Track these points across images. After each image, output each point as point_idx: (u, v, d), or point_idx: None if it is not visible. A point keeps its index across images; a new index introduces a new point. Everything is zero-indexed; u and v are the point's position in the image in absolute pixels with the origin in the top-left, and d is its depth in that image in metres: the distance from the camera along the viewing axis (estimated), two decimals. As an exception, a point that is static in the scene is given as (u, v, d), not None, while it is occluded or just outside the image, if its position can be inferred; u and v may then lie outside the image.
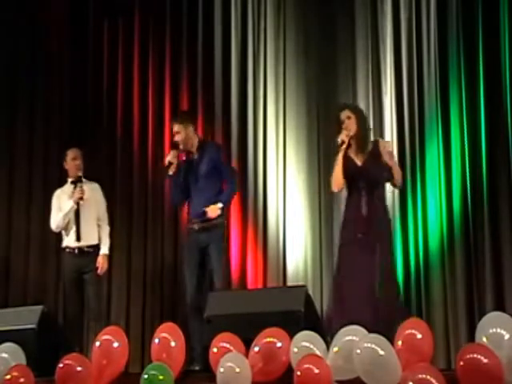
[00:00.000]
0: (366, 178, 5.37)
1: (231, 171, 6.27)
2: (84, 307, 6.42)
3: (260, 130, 7.17)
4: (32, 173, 7.76)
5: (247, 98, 7.25)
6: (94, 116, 7.82)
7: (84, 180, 6.49)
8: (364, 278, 5.12)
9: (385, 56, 6.75)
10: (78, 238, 6.34)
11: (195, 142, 6.12)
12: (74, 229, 6.38)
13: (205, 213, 5.88)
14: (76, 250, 6.36)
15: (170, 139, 7.49)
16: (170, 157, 6.04)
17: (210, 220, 5.91)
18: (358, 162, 5.43)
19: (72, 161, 6.53)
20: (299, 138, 7.04)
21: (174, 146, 6.13)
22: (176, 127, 6.12)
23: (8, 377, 4.55)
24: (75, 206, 6.37)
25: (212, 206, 5.90)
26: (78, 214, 6.38)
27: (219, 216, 5.94)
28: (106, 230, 6.50)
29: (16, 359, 4.87)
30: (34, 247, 7.61)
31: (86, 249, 6.37)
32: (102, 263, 6.36)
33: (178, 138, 6.10)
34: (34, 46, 7.91)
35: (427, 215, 6.33)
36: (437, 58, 6.46)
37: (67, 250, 6.41)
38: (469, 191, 6.17)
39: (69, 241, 6.41)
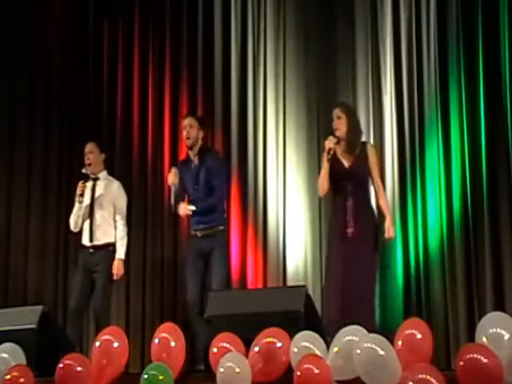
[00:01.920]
0: (353, 180, 5.38)
1: (221, 168, 6.10)
2: (88, 305, 6.33)
3: (260, 130, 7.16)
4: (32, 173, 7.74)
5: (247, 97, 7.24)
6: (94, 116, 7.82)
7: (102, 176, 6.39)
8: (348, 278, 5.18)
9: (385, 56, 6.75)
10: (91, 239, 6.24)
11: (198, 147, 6.04)
12: (88, 228, 6.28)
13: (206, 221, 5.85)
14: (91, 249, 6.25)
15: (169, 139, 7.52)
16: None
17: (213, 227, 5.89)
18: (346, 164, 5.44)
19: (84, 156, 6.42)
20: (299, 138, 7.04)
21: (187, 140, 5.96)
22: (189, 120, 6.03)
23: (8, 377, 4.55)
24: (81, 204, 6.27)
25: (183, 205, 5.88)
26: (92, 213, 6.28)
27: (222, 223, 5.95)
28: (121, 229, 6.27)
29: (16, 359, 4.86)
30: (34, 247, 7.60)
31: (99, 246, 6.23)
32: (117, 268, 6.16)
33: (189, 132, 5.98)
34: (34, 46, 7.90)
35: (427, 215, 6.33)
36: (437, 58, 6.46)
37: (84, 247, 6.32)
38: (469, 191, 6.16)
39: (84, 239, 6.31)
